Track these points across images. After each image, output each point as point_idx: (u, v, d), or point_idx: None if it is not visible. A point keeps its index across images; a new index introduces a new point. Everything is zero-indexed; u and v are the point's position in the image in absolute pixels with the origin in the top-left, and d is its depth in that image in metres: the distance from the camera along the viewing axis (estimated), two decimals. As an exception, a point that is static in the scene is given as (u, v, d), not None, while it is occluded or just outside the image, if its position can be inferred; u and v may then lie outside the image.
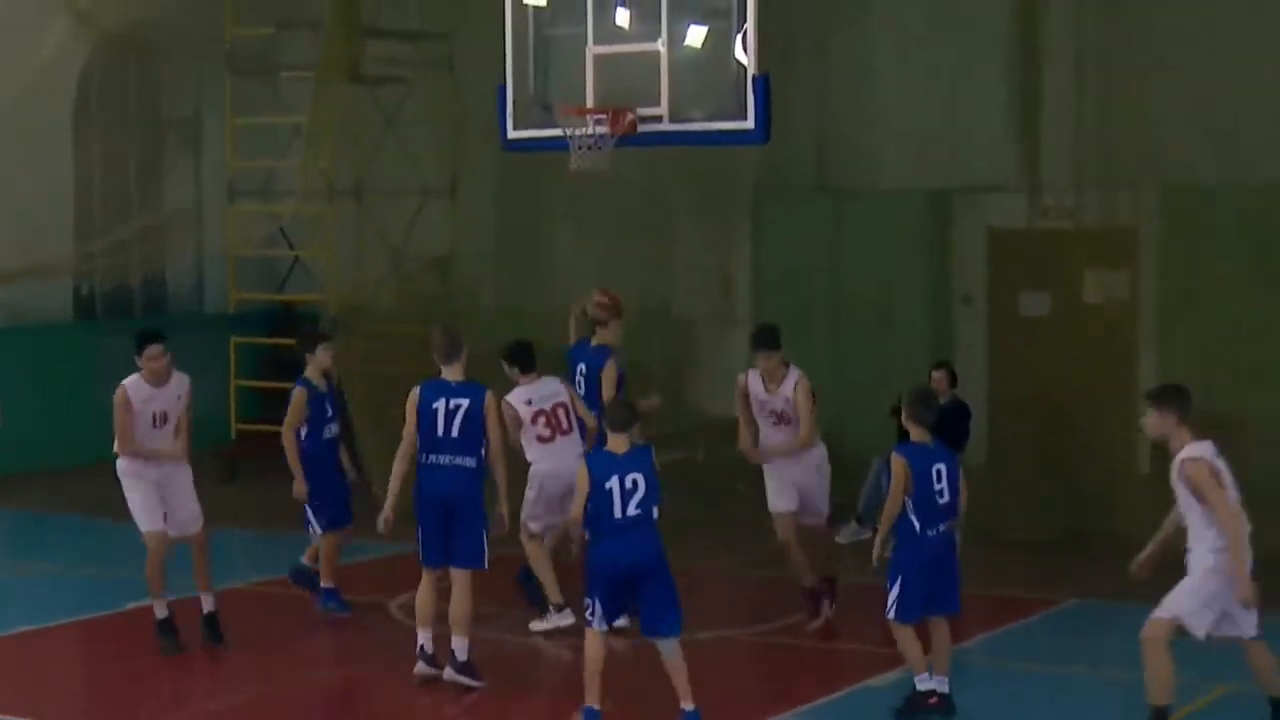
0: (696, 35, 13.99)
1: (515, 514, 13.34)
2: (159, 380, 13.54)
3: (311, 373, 15.03)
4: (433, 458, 12.71)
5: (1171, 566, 11.08)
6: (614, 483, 11.43)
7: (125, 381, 13.52)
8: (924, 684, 11.78)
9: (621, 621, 12.07)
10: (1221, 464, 10.74)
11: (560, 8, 14.53)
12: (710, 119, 14.14)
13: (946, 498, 11.78)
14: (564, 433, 14.21)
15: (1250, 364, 17.25)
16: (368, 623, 14.69)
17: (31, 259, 22.00)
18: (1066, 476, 18.15)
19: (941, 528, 11.77)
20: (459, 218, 22.46)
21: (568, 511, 12.15)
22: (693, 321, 21.72)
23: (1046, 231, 19.26)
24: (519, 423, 14.10)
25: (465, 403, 12.65)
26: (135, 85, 24.59)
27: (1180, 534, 10.97)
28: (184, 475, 13.77)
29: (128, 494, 13.62)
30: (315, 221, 22.88)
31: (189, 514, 13.75)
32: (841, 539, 17.12)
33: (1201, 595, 10.75)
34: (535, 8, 14.53)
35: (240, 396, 22.98)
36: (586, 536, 11.75)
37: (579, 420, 14.30)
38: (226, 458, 21.58)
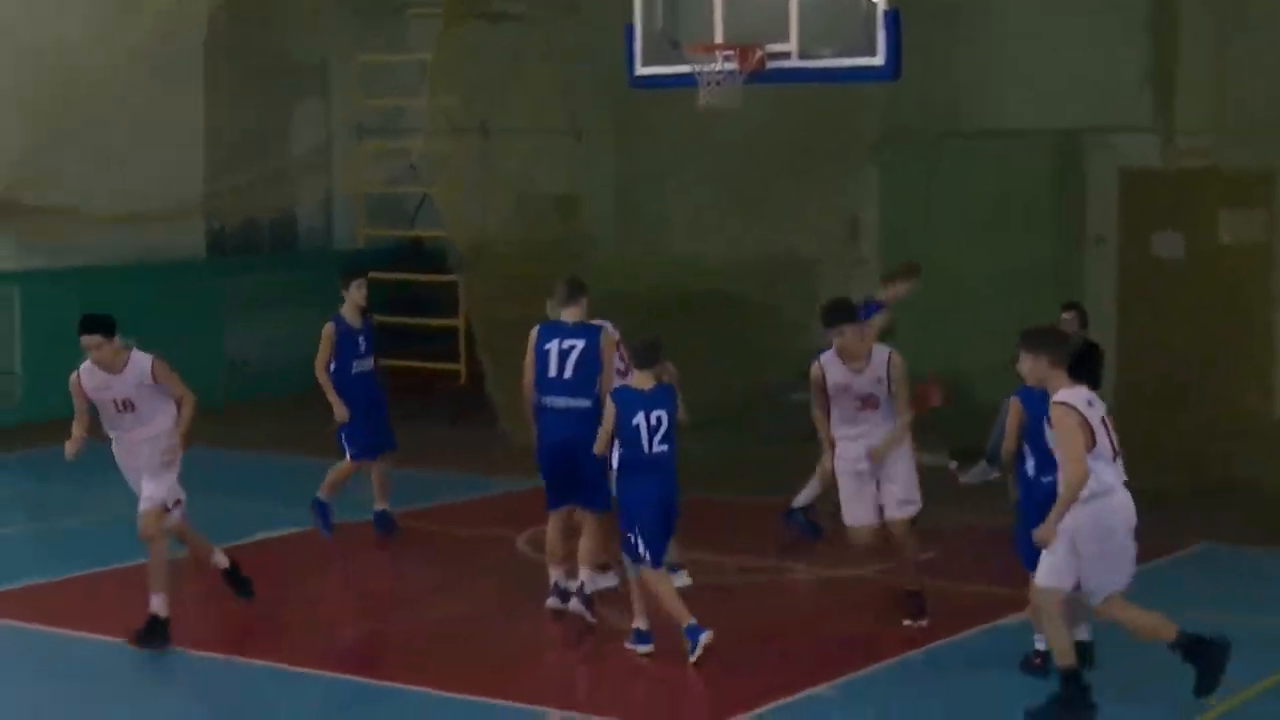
0: (826, -31, 13.90)
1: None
2: (109, 369, 12.47)
3: (346, 309, 15.42)
4: (548, 400, 12.72)
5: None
6: (640, 418, 11.60)
7: (81, 366, 12.59)
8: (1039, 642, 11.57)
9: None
10: (1096, 413, 10.51)
11: (689, -56, 14.48)
12: (839, 55, 14.04)
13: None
14: None
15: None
16: (494, 557, 14.81)
17: (164, 200, 22.25)
18: (1196, 420, 17.95)
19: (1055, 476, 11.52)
20: (582, 158, 22.47)
21: None
22: (819, 263, 21.63)
23: (1181, 173, 19.04)
24: None
25: (579, 344, 12.61)
26: (263, 25, 24.72)
27: None
28: (147, 458, 12.55)
29: None
30: (442, 159, 22.98)
31: (143, 495, 12.67)
32: (969, 479, 17.05)
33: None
34: (663, -56, 14.48)
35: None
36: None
37: None
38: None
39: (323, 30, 24.80)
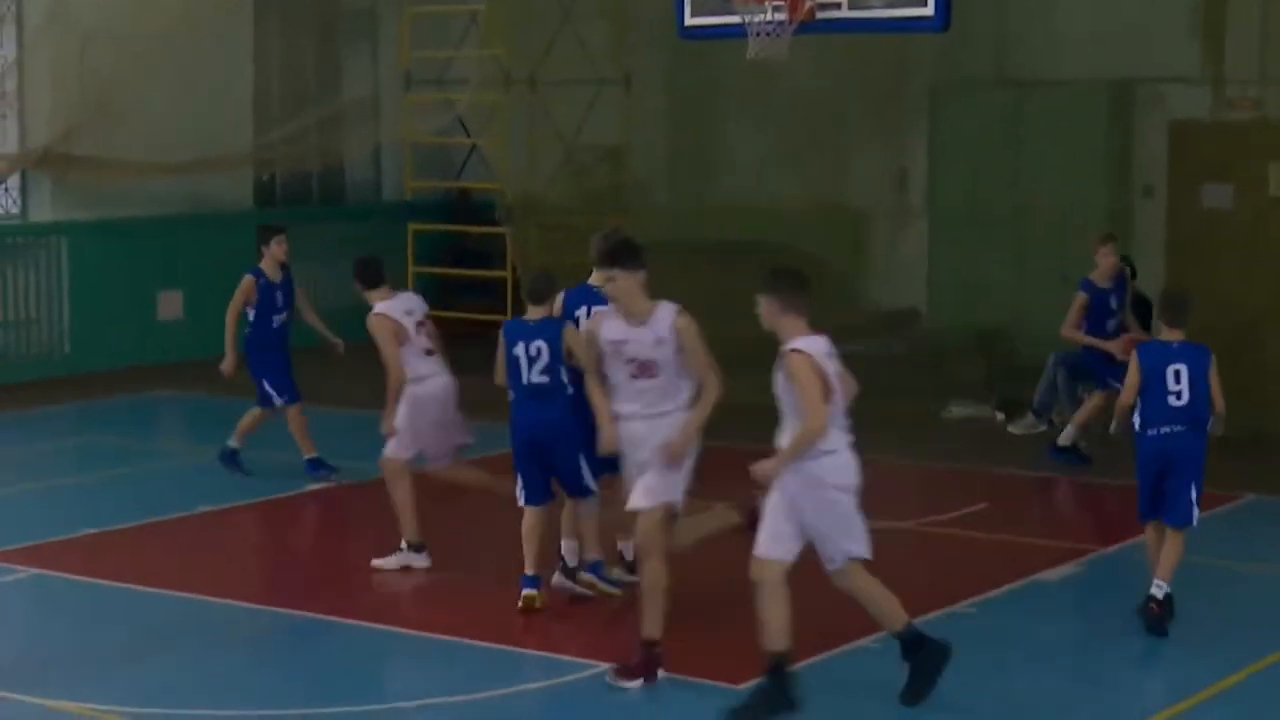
0: (875, -80, 13.87)
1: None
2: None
3: (266, 264, 15.87)
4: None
5: None
6: (520, 348, 11.65)
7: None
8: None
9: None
10: (832, 365, 9.73)
11: (740, -105, 14.42)
12: (889, 6, 14.06)
13: (1184, 400, 11.35)
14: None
15: None
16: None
17: (212, 149, 22.34)
18: (1246, 374, 17.84)
19: (1166, 430, 11.39)
20: (632, 109, 22.47)
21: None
22: (868, 215, 21.61)
23: (1230, 124, 18.95)
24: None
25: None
26: (313, -25, 24.78)
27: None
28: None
29: None
30: (491, 111, 23.00)
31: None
32: (1016, 430, 17.13)
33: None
34: (715, -105, 14.44)
35: (418, 283, 23.22)
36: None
37: None
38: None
39: (372, -19, 24.89)
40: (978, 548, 13.79)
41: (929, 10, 13.79)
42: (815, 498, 9.71)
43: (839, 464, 9.74)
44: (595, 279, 11.82)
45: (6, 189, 21.86)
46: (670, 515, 10.63)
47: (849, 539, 9.82)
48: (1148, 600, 11.38)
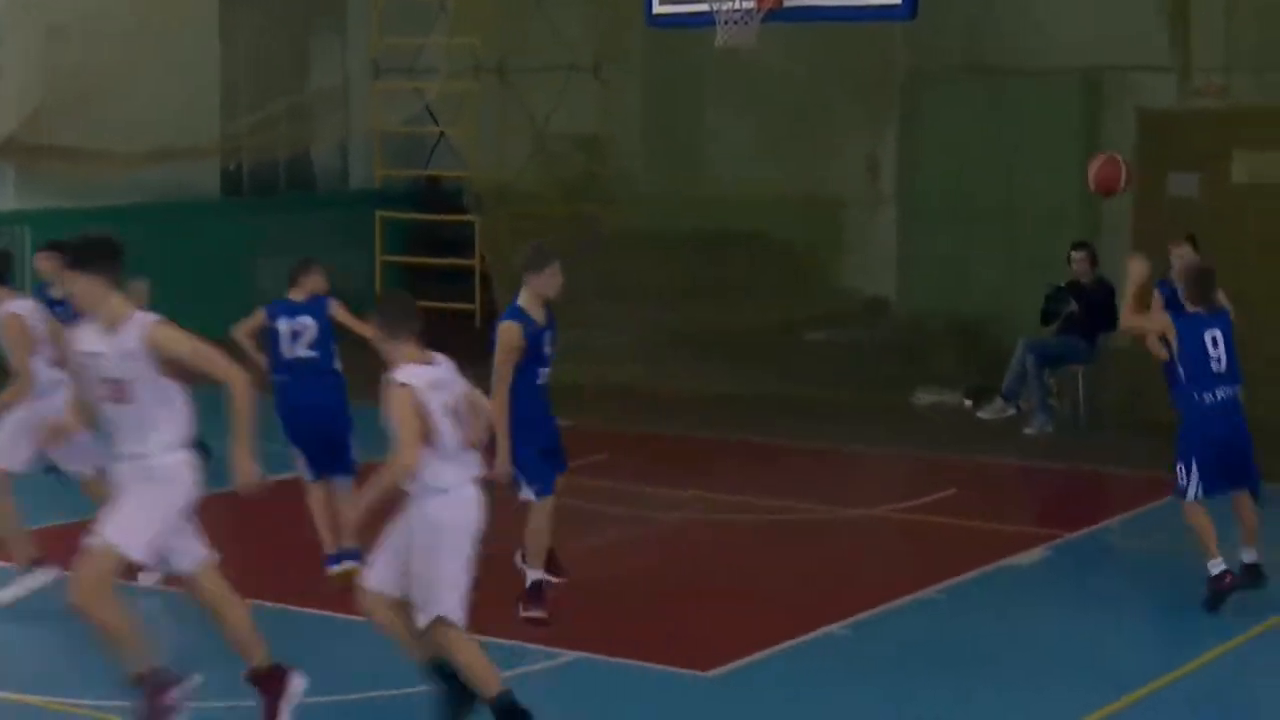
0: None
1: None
2: None
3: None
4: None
5: None
6: (284, 324, 11.97)
7: None
8: (1215, 567, 11.49)
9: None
10: (447, 395, 8.90)
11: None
12: None
13: (1223, 364, 11.54)
14: None
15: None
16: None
17: (180, 139, 22.29)
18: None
19: (1219, 394, 11.53)
20: (606, 98, 22.47)
21: None
22: (840, 203, 21.66)
23: (1197, 112, 19.06)
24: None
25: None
26: (281, -37, 24.74)
27: None
28: None
29: None
30: (460, 99, 23.00)
31: None
32: (985, 415, 17.25)
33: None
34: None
35: (386, 272, 23.26)
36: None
37: None
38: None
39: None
40: (947, 534, 13.87)
41: (895, 0, 13.87)
42: (423, 538, 8.89)
43: (452, 503, 8.93)
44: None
45: (-29, 178, 21.77)
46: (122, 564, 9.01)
47: (441, 591, 8.86)
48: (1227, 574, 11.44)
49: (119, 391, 8.84)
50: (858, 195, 21.30)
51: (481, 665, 8.98)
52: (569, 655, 10.57)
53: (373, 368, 9.44)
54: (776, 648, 10.48)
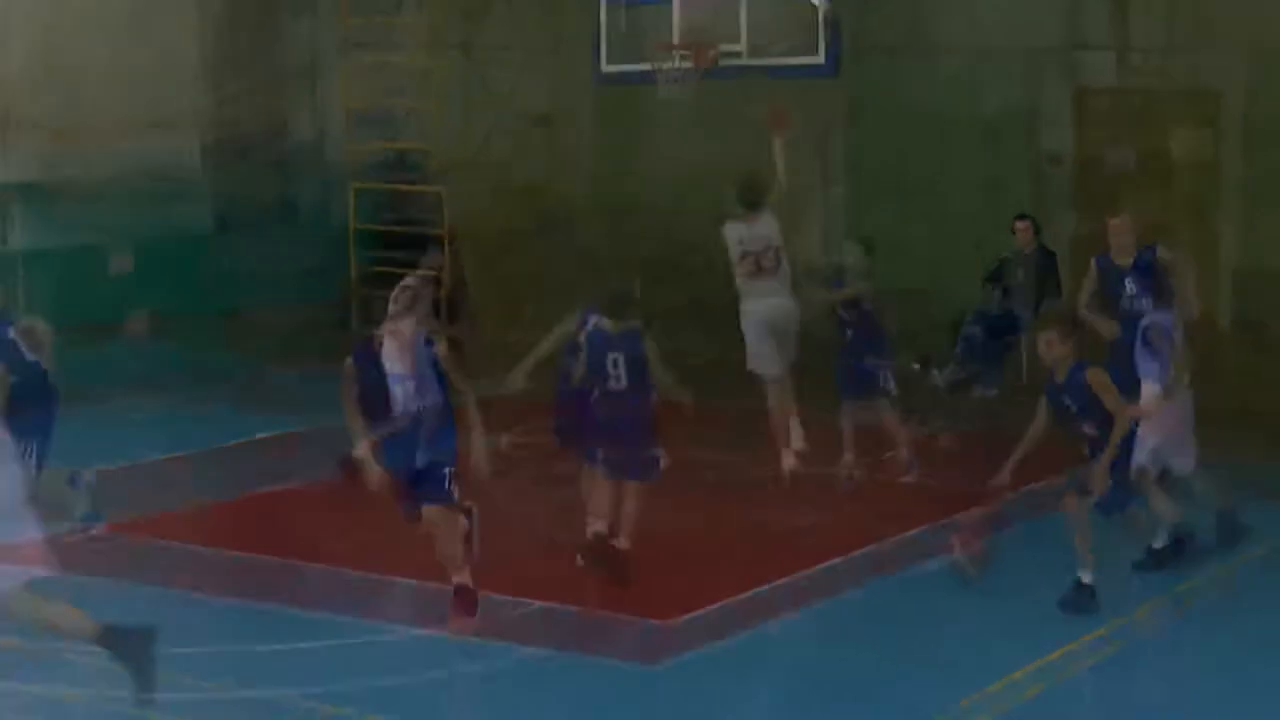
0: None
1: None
2: None
3: None
4: None
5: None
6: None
7: None
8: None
9: None
10: None
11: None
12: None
13: None
14: None
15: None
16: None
17: (155, 112, 22.62)
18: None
19: None
20: (562, 77, 22.96)
21: None
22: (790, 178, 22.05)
23: (1135, 90, 19.59)
24: None
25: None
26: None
27: None
28: None
29: None
30: (424, 76, 23.49)
31: None
32: (938, 381, 17.82)
33: None
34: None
35: (360, 238, 23.90)
36: None
37: None
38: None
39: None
40: (897, 492, 14.65)
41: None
42: None
43: None
44: None
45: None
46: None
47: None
48: None
49: None
50: (806, 171, 21.72)
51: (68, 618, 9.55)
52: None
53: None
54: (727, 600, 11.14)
